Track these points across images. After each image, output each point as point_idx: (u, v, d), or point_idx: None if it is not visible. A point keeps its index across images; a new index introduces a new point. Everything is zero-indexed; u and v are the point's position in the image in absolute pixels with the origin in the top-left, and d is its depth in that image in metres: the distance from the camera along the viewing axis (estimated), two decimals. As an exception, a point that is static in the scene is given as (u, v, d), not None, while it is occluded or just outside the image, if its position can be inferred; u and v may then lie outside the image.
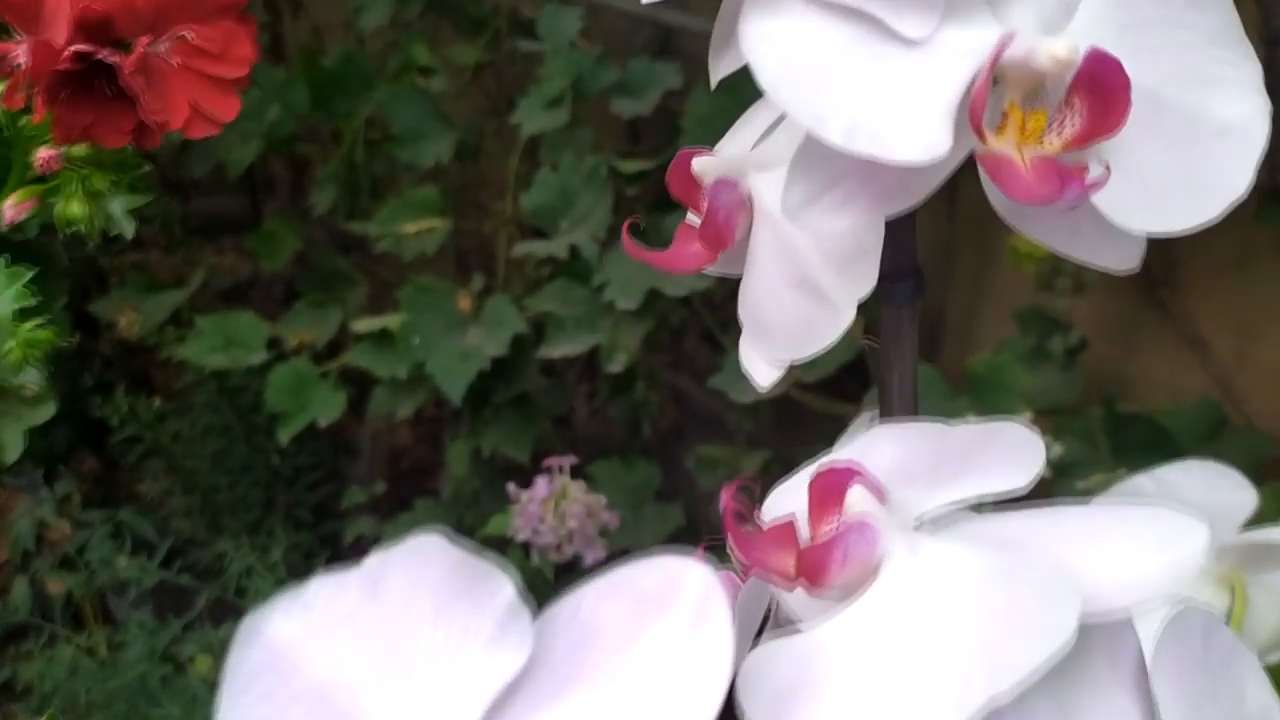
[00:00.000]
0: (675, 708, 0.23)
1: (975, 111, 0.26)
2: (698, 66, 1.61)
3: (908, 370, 0.33)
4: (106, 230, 0.45)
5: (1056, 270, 1.41)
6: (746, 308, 0.35)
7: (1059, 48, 0.26)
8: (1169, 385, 1.60)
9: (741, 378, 1.33)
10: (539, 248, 1.55)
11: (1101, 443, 1.46)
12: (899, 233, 0.32)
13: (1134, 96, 0.27)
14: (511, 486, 1.12)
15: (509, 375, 1.61)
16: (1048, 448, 0.90)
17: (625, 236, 0.35)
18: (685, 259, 0.36)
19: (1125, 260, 0.30)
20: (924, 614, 0.25)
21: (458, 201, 1.72)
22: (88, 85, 0.38)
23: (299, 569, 1.64)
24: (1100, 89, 0.26)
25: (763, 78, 0.25)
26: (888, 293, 0.32)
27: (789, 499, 0.30)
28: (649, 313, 1.56)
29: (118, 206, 0.45)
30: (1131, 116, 0.27)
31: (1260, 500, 1.15)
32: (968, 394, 1.44)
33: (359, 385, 1.63)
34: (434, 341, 1.55)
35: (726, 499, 0.28)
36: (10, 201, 0.41)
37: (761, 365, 0.34)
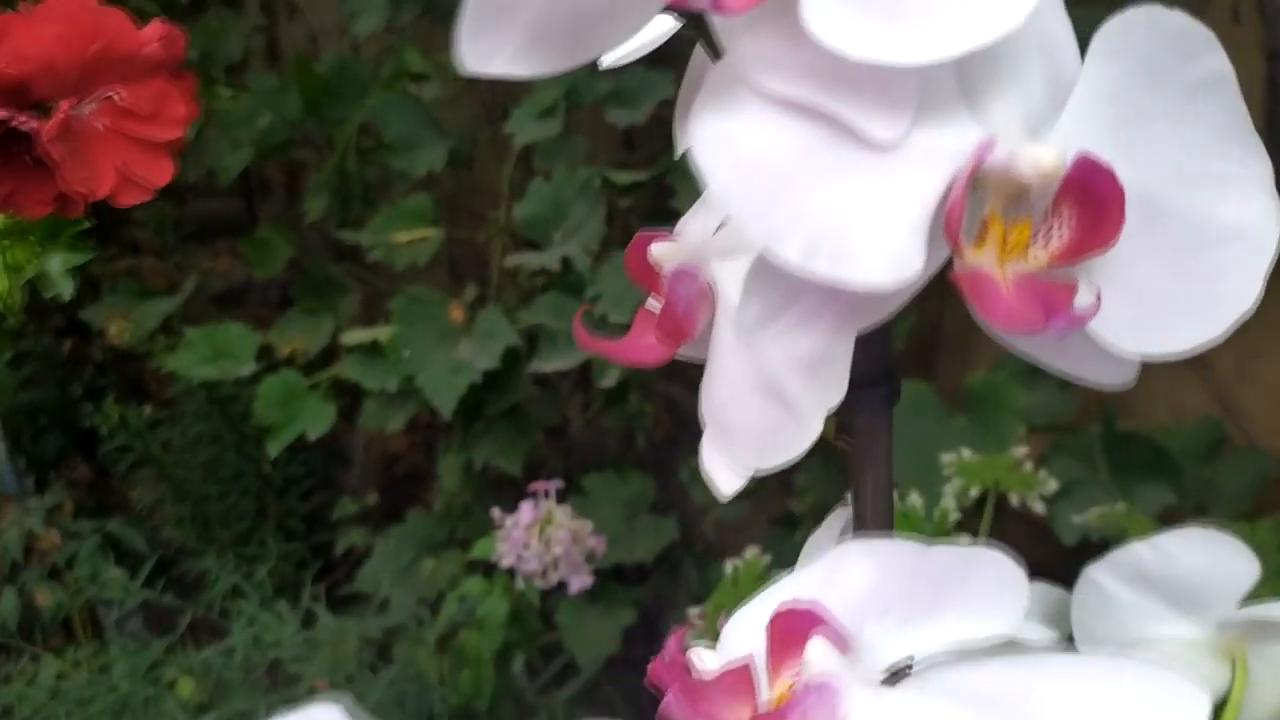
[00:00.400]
0: None
1: (951, 225, 0.23)
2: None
3: (882, 479, 0.30)
4: (42, 292, 0.43)
5: (1057, 286, 1.39)
6: (708, 408, 0.32)
7: (1044, 156, 0.23)
8: (1169, 402, 1.57)
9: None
10: (531, 259, 1.53)
11: (1100, 462, 1.44)
12: (872, 337, 0.29)
13: (1129, 202, 0.25)
14: (496, 512, 1.10)
15: (501, 387, 1.59)
16: (1043, 482, 0.88)
17: (577, 327, 0.32)
18: (642, 351, 0.33)
19: (1120, 376, 0.27)
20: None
21: (451, 210, 1.69)
22: (6, 152, 0.36)
23: (290, 579, 1.62)
24: (1090, 199, 0.24)
25: (713, 186, 0.23)
26: (860, 400, 0.29)
27: (746, 631, 0.27)
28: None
29: (56, 265, 0.43)
30: (1127, 226, 0.25)
31: (1262, 533, 1.12)
32: (965, 411, 1.42)
33: (351, 393, 1.61)
34: (425, 354, 1.53)
35: (673, 646, 0.26)
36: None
37: (724, 471, 0.31)
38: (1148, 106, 0.25)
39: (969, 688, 0.25)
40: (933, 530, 0.77)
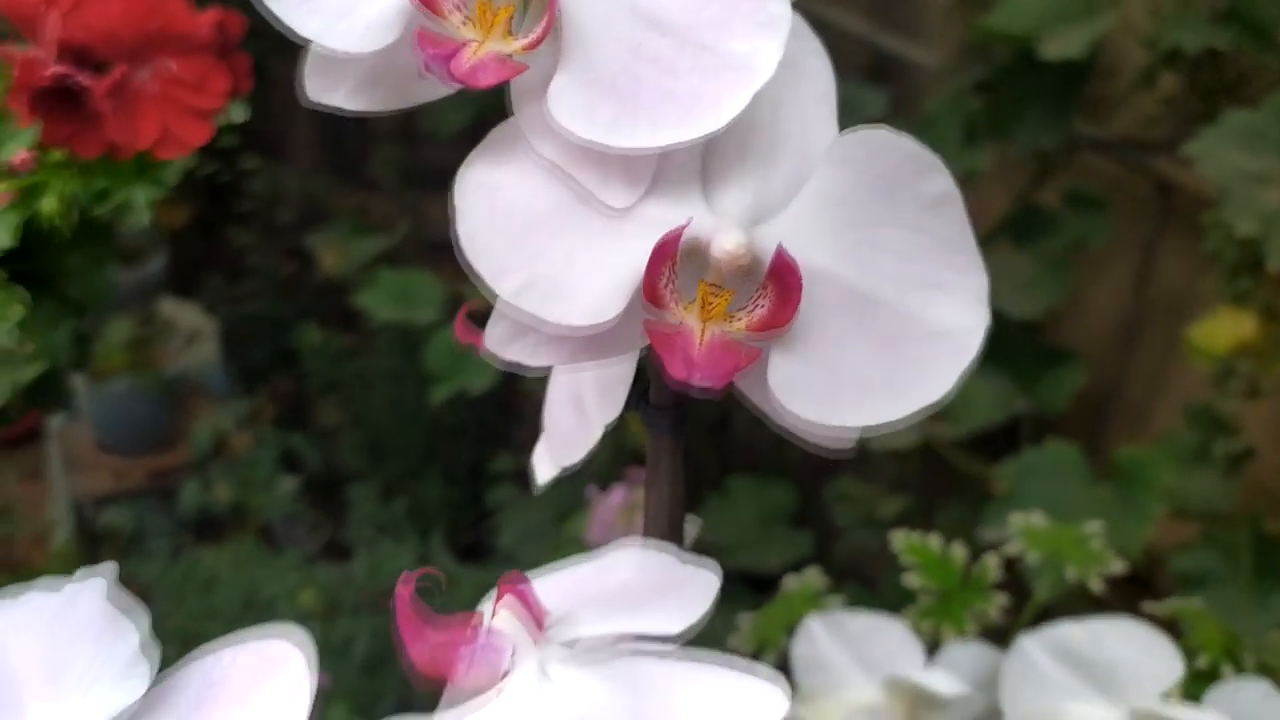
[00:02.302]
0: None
1: (647, 283, 0.27)
2: (905, 98, 1.60)
3: (664, 494, 0.35)
4: (127, 219, 0.52)
5: (1229, 371, 1.34)
6: (546, 416, 0.37)
7: (729, 240, 0.27)
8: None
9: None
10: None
11: (1244, 560, 1.38)
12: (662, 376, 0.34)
13: (842, 292, 0.28)
14: (590, 488, 1.16)
15: (659, 374, 1.65)
16: (1108, 561, 0.87)
17: (459, 320, 0.38)
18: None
19: (840, 442, 0.31)
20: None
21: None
22: (70, 101, 0.44)
23: (434, 520, 1.73)
24: (780, 285, 0.27)
25: (461, 227, 0.28)
26: (651, 420, 0.34)
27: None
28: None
29: (140, 196, 0.52)
30: (835, 310, 0.28)
31: None
32: (1109, 482, 1.39)
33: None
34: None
35: (403, 588, 0.31)
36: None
37: (545, 465, 0.37)
38: (880, 213, 0.29)
39: (632, 671, 0.30)
40: (954, 579, 0.79)
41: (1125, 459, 1.42)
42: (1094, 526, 0.94)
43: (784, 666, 0.67)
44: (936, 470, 1.65)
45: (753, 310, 0.28)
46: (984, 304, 0.29)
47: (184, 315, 2.08)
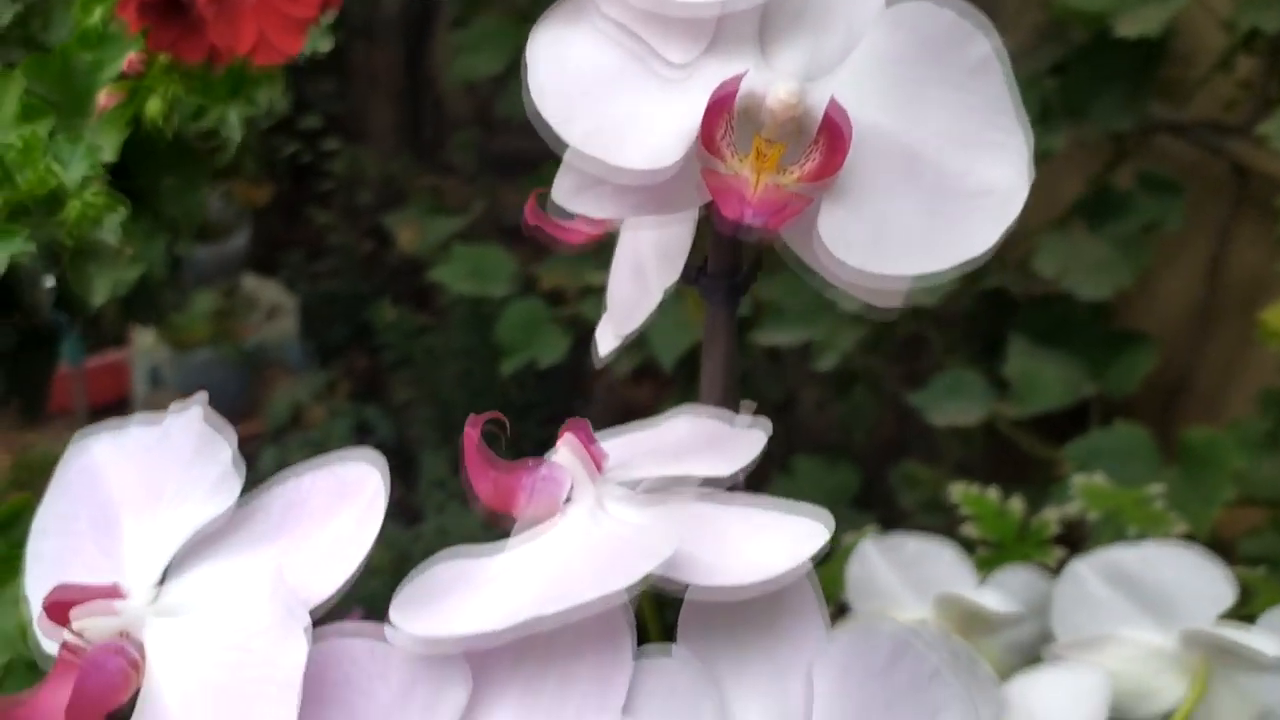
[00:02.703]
0: (334, 566, 0.29)
1: (705, 133, 0.29)
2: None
3: (719, 364, 0.37)
4: (218, 131, 0.55)
5: (1303, 352, 1.32)
6: (608, 293, 0.39)
7: (784, 89, 0.29)
8: None
9: (944, 399, 1.34)
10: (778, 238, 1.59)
11: (1311, 554, 1.36)
12: (722, 243, 0.36)
13: (891, 147, 0.30)
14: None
15: (725, 353, 1.66)
16: (1171, 524, 0.87)
17: (530, 204, 0.40)
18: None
19: (887, 300, 0.32)
20: (562, 551, 0.30)
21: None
22: (175, 8, 0.47)
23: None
24: (831, 133, 0.29)
25: (533, 81, 0.30)
26: (707, 290, 0.36)
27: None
28: (868, 318, 1.57)
29: (233, 114, 0.55)
30: (884, 165, 0.30)
31: None
32: (1177, 464, 1.38)
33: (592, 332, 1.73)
34: (661, 306, 1.62)
35: (471, 430, 0.33)
36: (104, 93, 0.51)
37: (607, 337, 0.39)
38: (927, 74, 0.30)
39: (687, 509, 0.32)
40: (1011, 531, 0.79)
41: (1195, 441, 1.40)
42: (1157, 488, 0.94)
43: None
44: (1002, 453, 1.65)
45: (804, 164, 0.30)
46: (1027, 164, 0.30)
47: (265, 291, 2.14)
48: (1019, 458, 1.60)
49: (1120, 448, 1.44)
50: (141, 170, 0.59)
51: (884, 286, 0.32)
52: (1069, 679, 0.51)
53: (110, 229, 0.50)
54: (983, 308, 1.65)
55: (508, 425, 0.33)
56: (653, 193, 0.31)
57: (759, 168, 0.30)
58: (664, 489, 0.33)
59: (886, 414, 1.89)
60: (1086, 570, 0.56)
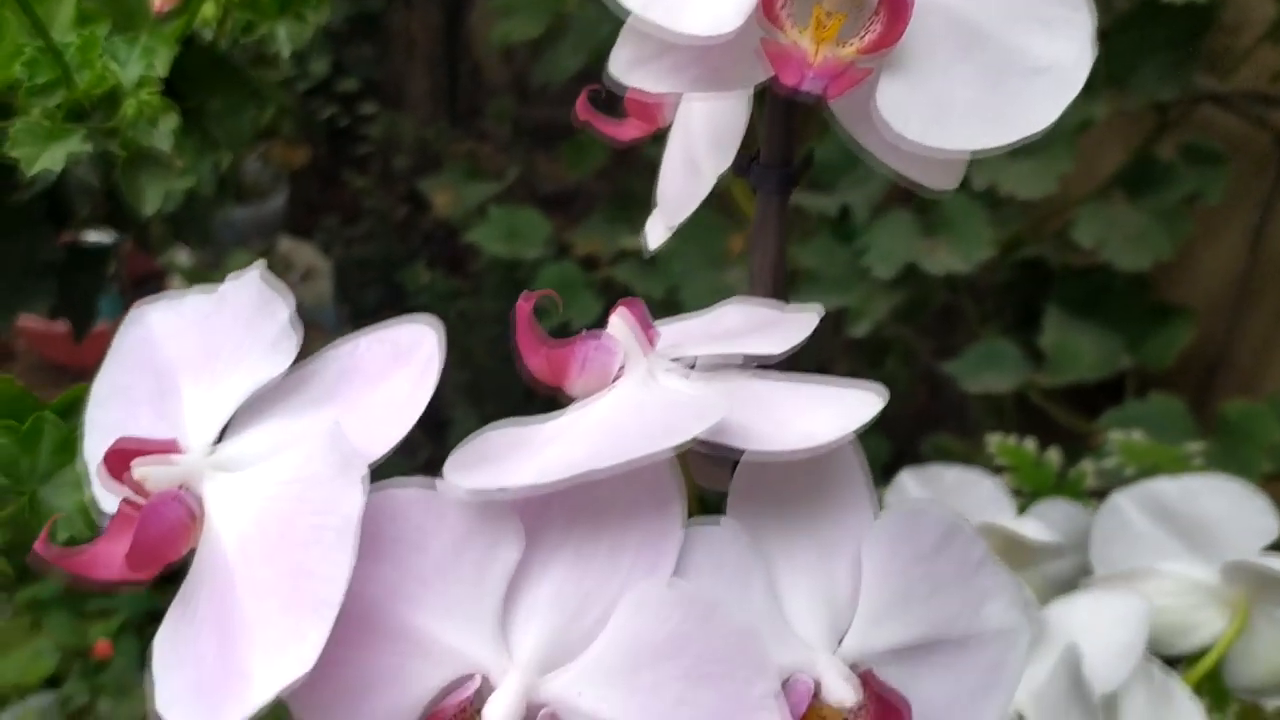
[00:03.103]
0: (388, 427, 0.30)
1: (766, 4, 0.29)
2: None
3: (770, 253, 0.37)
4: (266, 49, 0.55)
5: (1345, 327, 1.31)
6: (658, 189, 0.39)
7: (846, -41, 0.29)
8: None
9: (978, 368, 1.34)
10: (812, 201, 1.59)
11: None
12: (776, 133, 0.35)
13: (952, 19, 0.30)
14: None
15: (758, 319, 1.66)
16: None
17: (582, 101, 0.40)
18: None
19: (942, 182, 0.32)
20: (615, 412, 0.30)
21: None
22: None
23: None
24: (893, 5, 0.29)
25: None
26: (760, 179, 0.36)
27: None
28: (903, 286, 1.56)
29: (282, 31, 0.55)
30: (944, 37, 0.30)
31: None
32: (1213, 436, 1.37)
33: (624, 295, 1.73)
34: (694, 272, 1.62)
35: (524, 304, 0.33)
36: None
37: (657, 229, 0.39)
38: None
39: (739, 385, 0.32)
40: (1047, 482, 0.79)
41: (1232, 413, 1.39)
42: (1196, 446, 0.93)
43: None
44: (1035, 425, 1.63)
45: (864, 35, 0.30)
46: (1089, 39, 0.30)
47: (300, 254, 2.15)
48: (1051, 431, 1.58)
49: (1156, 419, 1.43)
50: (190, 91, 0.60)
51: (941, 159, 0.32)
52: (1110, 603, 0.50)
53: (164, 134, 0.51)
54: (1019, 278, 1.64)
55: (560, 304, 0.33)
56: (710, 66, 0.31)
57: (818, 38, 0.30)
58: (715, 369, 0.33)
59: (919, 385, 1.88)
60: (1127, 503, 0.55)
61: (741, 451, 0.30)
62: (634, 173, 1.99)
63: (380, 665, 0.28)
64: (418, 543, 0.29)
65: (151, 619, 1.14)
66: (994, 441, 0.82)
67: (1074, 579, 0.58)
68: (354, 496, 0.27)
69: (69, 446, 0.39)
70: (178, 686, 0.28)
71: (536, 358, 0.32)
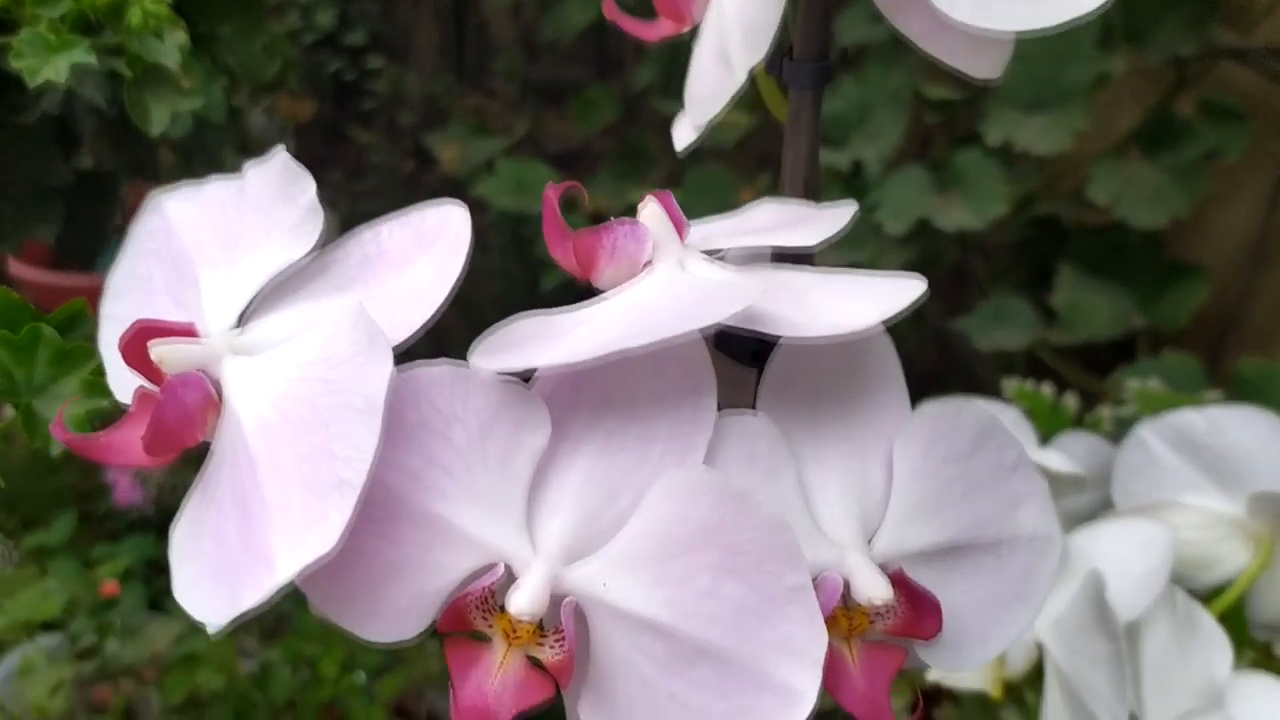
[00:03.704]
0: (413, 311, 0.29)
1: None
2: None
3: (802, 151, 0.36)
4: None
5: (1364, 286, 1.30)
6: (686, 90, 0.38)
7: None
8: None
9: (989, 325, 1.33)
10: (823, 156, 1.57)
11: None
12: (810, 26, 0.34)
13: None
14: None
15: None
16: None
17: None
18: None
19: (985, 69, 0.31)
20: (647, 295, 0.29)
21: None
22: None
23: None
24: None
25: None
26: (793, 73, 0.35)
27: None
28: (914, 243, 1.55)
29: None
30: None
31: None
32: (1227, 395, 1.36)
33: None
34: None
35: (551, 195, 0.33)
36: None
37: (684, 130, 0.38)
38: None
39: (772, 274, 0.31)
40: (1064, 427, 0.78)
41: (1247, 371, 1.38)
42: (1213, 395, 0.93)
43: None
44: (1042, 381, 1.62)
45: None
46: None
47: (306, 208, 2.13)
48: (1063, 390, 1.58)
49: (1170, 377, 1.42)
50: (200, 17, 0.59)
51: (986, 44, 0.31)
52: (1133, 530, 0.50)
53: (170, 50, 0.50)
54: (1032, 236, 1.63)
55: (586, 197, 0.32)
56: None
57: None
58: (746, 263, 0.32)
59: (928, 345, 1.88)
60: (1151, 435, 0.55)
61: (762, 367, 0.29)
62: (642, 129, 1.98)
63: (402, 555, 0.28)
64: (442, 430, 0.28)
65: (157, 569, 1.13)
66: (1010, 386, 0.81)
67: (1095, 515, 0.57)
68: (379, 375, 0.26)
69: (66, 359, 0.38)
70: (196, 572, 0.27)
71: (563, 248, 0.31)
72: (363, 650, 0.92)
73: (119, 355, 0.29)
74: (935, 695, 0.80)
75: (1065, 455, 0.57)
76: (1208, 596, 0.54)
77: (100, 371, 0.34)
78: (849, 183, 1.58)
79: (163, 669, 0.90)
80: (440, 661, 0.97)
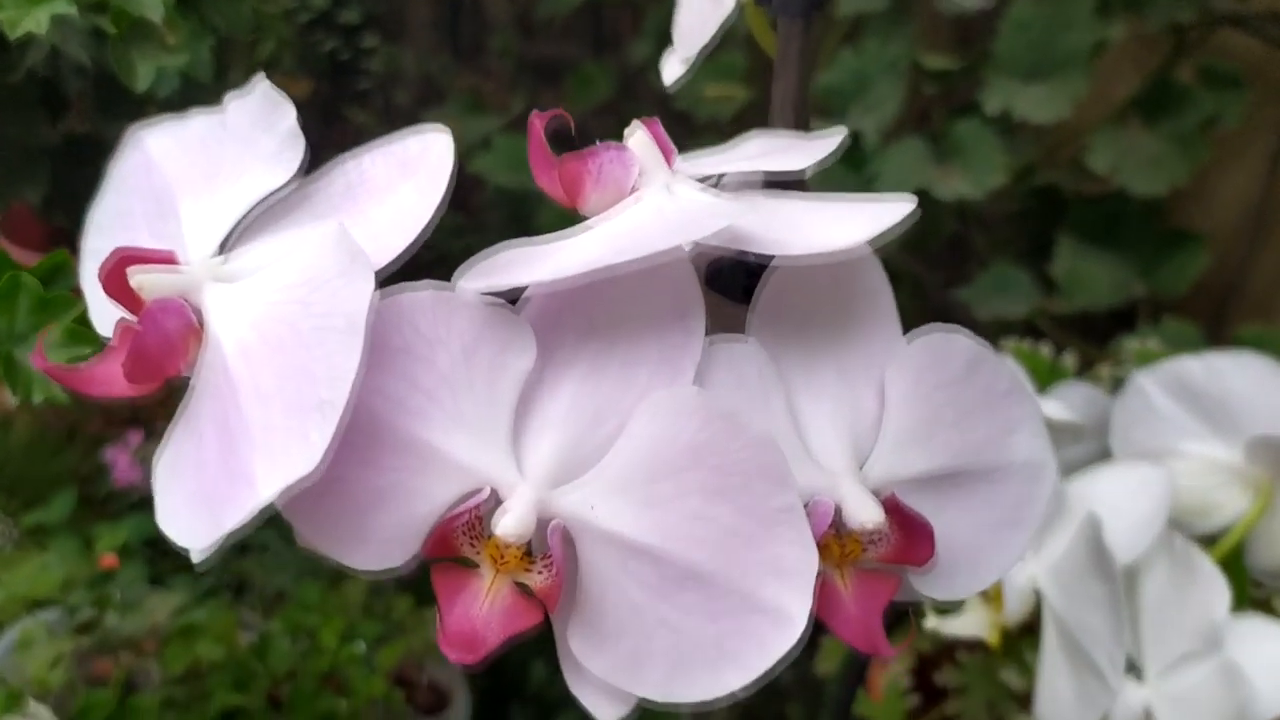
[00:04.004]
0: (396, 235, 0.28)
1: None
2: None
3: (792, 83, 0.36)
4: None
5: (1364, 252, 1.30)
6: (674, 24, 0.38)
7: None
8: None
9: (989, 295, 1.32)
10: (821, 126, 1.56)
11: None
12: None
13: None
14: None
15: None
16: None
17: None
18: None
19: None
20: (634, 217, 0.29)
21: (765, 72, 1.74)
22: None
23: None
24: None
25: None
26: (783, 4, 0.35)
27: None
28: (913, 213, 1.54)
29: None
30: None
31: None
32: (1227, 361, 1.35)
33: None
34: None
35: (537, 122, 0.32)
36: None
37: (676, 64, 0.38)
38: None
39: (761, 201, 0.31)
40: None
41: (1247, 338, 1.38)
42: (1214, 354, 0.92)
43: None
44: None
45: None
46: None
47: (303, 189, 2.13)
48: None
49: (1170, 344, 1.42)
50: (198, -26, 0.58)
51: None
52: (1131, 473, 0.49)
53: (153, 4, 0.49)
54: (1032, 206, 1.63)
55: (573, 124, 0.32)
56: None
57: None
58: (737, 191, 0.31)
59: (928, 315, 1.86)
60: (1150, 383, 0.54)
61: (751, 297, 0.29)
62: (639, 105, 1.97)
63: (387, 482, 0.27)
64: (425, 354, 0.28)
65: (159, 550, 1.13)
66: (1010, 346, 0.81)
67: (1093, 465, 0.57)
68: (360, 295, 0.26)
69: (47, 308, 0.37)
70: (178, 499, 0.27)
71: (549, 175, 0.31)
72: (362, 620, 0.92)
73: (100, 289, 0.28)
74: (936, 658, 0.80)
75: (1063, 404, 0.56)
76: (1207, 544, 0.54)
77: (84, 320, 0.34)
78: (847, 154, 1.57)
79: (162, 641, 0.90)
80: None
